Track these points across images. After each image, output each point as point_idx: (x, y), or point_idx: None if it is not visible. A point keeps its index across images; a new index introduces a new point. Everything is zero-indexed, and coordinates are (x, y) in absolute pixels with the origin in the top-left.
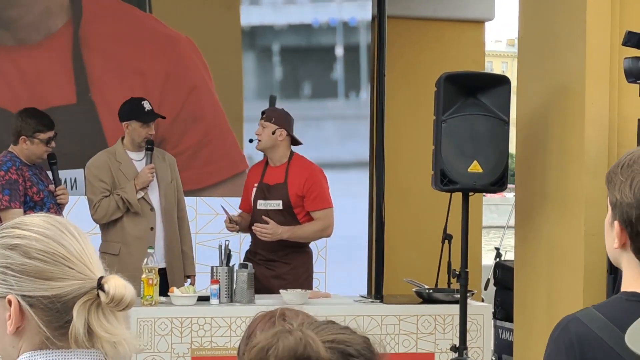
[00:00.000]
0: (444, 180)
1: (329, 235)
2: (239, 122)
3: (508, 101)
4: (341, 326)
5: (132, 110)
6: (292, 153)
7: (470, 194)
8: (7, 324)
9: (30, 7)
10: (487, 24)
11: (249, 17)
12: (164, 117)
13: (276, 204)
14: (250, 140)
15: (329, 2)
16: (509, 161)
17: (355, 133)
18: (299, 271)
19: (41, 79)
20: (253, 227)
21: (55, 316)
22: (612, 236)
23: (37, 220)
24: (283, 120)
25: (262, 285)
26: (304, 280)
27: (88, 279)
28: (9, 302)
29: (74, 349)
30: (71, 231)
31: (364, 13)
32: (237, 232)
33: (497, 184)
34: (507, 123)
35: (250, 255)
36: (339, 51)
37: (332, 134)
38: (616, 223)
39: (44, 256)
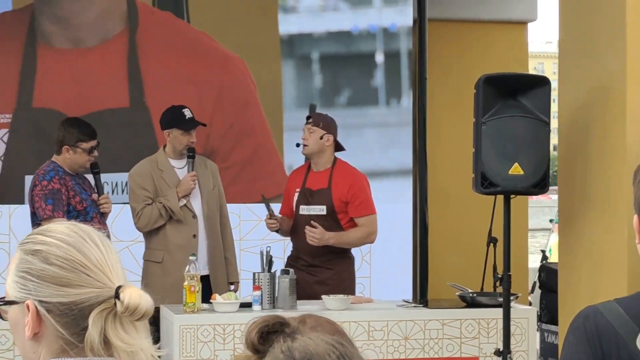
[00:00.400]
0: (484, 183)
1: (372, 242)
2: (278, 132)
3: (548, 102)
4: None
5: (173, 118)
6: (335, 159)
7: (512, 196)
8: (25, 329)
9: (88, 6)
10: (534, 24)
11: (288, 25)
12: (204, 125)
13: (320, 209)
14: (298, 145)
15: (368, 8)
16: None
17: (397, 140)
18: (342, 276)
19: (95, 81)
20: (306, 229)
21: (71, 323)
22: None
23: (61, 227)
24: (330, 126)
25: (304, 291)
26: (347, 286)
27: (106, 288)
28: (27, 307)
29: (90, 357)
30: (94, 239)
31: (404, 18)
32: (277, 231)
33: (539, 186)
34: (548, 124)
35: (292, 261)
36: (379, 58)
37: (373, 141)
38: (635, 217)
39: (63, 263)
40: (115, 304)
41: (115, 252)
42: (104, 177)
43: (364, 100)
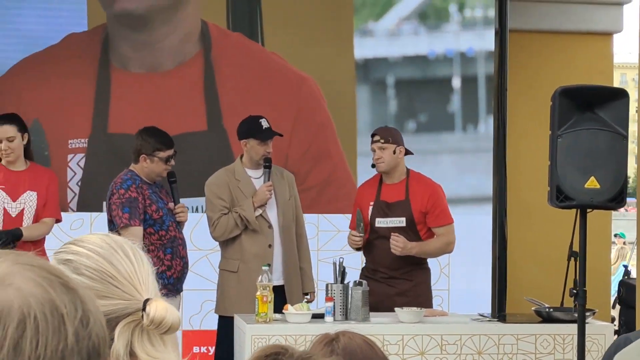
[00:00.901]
0: (559, 197)
1: (451, 252)
2: (352, 156)
3: (626, 115)
4: None
5: (250, 128)
6: (407, 169)
7: (588, 210)
8: None
9: (172, 30)
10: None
11: (363, 49)
12: (281, 135)
13: (399, 221)
14: (373, 166)
15: (445, 32)
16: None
17: (473, 167)
18: (421, 288)
19: (171, 105)
20: (391, 239)
21: None
22: None
23: (95, 238)
24: (398, 137)
25: (383, 304)
26: (425, 297)
27: (134, 300)
28: None
29: None
30: (125, 251)
31: (482, 42)
32: (358, 249)
33: (615, 201)
34: (626, 137)
35: (369, 274)
36: (456, 82)
37: (449, 168)
38: None
39: (92, 273)
40: (142, 316)
41: (148, 265)
42: (182, 201)
43: (440, 125)
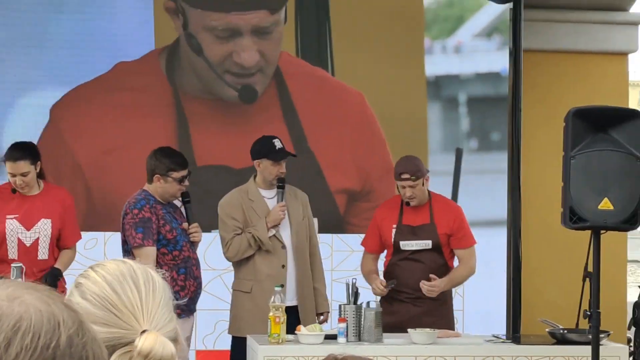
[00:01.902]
0: (573, 218)
1: (474, 274)
2: None
3: None
4: None
5: (263, 148)
6: (429, 192)
7: (602, 232)
8: None
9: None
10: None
11: (434, 66)
12: (294, 155)
13: (425, 244)
14: (407, 204)
15: None
16: None
17: None
18: (446, 307)
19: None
20: (422, 285)
21: None
22: None
23: (111, 264)
24: (423, 169)
25: (411, 323)
26: (450, 317)
27: (132, 330)
28: None
29: None
30: (136, 280)
31: None
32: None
33: (629, 222)
34: None
35: (392, 294)
36: None
37: None
38: None
39: (95, 299)
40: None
41: (163, 295)
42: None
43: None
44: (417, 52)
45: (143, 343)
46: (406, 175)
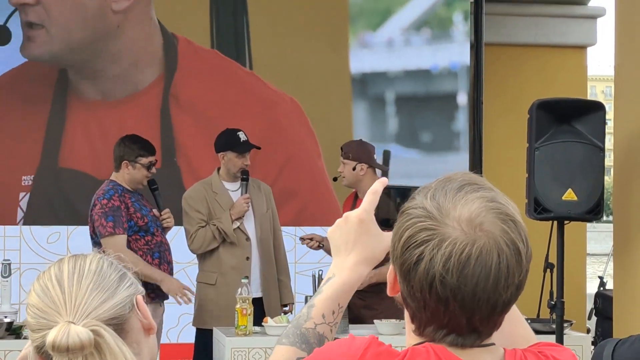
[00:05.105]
0: (537, 209)
1: None
2: None
3: (603, 128)
4: None
5: (227, 141)
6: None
7: (565, 222)
8: None
9: (118, 59)
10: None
11: (360, 63)
12: (259, 148)
13: None
14: (335, 179)
15: (449, 43)
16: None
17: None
18: (389, 301)
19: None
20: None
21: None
22: None
23: (48, 271)
24: (360, 154)
25: (353, 315)
26: (394, 311)
27: (55, 326)
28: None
29: None
30: (59, 276)
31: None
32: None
33: (592, 212)
34: (602, 150)
35: None
36: (462, 99)
37: None
38: None
39: (31, 311)
40: None
41: (92, 279)
42: None
43: (445, 145)
44: (341, 47)
45: (48, 337)
46: (342, 152)
